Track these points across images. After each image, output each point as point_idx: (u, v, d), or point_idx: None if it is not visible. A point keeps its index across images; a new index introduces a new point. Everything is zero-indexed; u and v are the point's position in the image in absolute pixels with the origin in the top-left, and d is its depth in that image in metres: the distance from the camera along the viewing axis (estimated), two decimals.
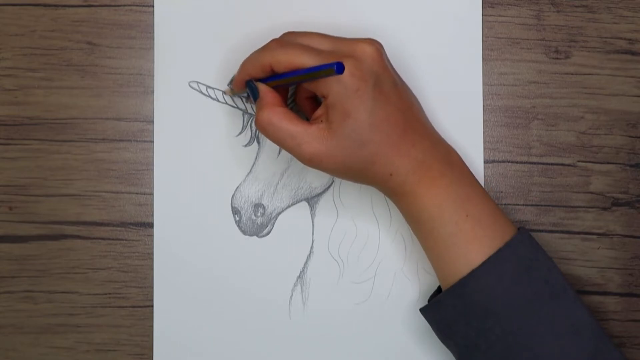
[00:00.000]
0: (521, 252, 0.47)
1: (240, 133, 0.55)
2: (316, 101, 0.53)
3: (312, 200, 0.55)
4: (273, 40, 0.49)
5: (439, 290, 0.51)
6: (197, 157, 0.55)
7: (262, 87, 0.49)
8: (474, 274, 0.46)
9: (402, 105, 0.48)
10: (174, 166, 0.55)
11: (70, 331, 0.55)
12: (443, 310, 0.48)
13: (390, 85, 0.48)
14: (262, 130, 0.49)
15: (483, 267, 0.46)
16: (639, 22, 0.56)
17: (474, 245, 0.47)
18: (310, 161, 0.48)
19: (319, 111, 0.48)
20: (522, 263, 0.47)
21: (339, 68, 0.45)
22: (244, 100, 0.55)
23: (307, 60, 0.47)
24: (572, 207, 0.56)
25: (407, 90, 0.50)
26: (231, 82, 0.54)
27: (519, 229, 0.49)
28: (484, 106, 0.55)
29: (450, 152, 0.50)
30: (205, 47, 0.55)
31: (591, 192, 0.56)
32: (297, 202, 0.55)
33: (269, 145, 0.55)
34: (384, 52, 0.48)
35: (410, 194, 0.48)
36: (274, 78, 0.49)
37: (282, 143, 0.48)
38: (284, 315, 0.55)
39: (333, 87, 0.46)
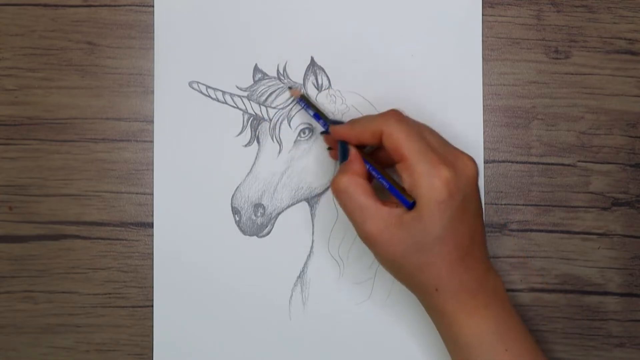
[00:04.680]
0: None
1: (240, 133, 0.55)
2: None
3: (312, 200, 0.55)
4: (393, 110, 0.49)
5: None
6: (197, 157, 0.55)
7: (354, 154, 0.49)
8: None
9: (473, 229, 0.47)
10: (174, 166, 0.55)
11: (70, 331, 0.55)
12: None
13: (473, 208, 0.47)
14: (334, 192, 0.48)
15: None
16: (639, 22, 0.56)
17: None
18: (367, 239, 0.47)
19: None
20: None
21: (408, 205, 0.46)
22: (244, 100, 0.55)
23: (412, 152, 0.46)
24: (572, 207, 0.56)
25: (481, 215, 0.49)
26: (327, 125, 0.51)
27: None
28: (484, 106, 0.55)
29: (497, 283, 0.49)
30: (205, 47, 0.55)
31: (591, 192, 0.56)
32: (297, 202, 0.55)
33: (269, 145, 0.55)
34: (479, 173, 0.48)
35: (450, 315, 0.47)
36: (370, 166, 0.49)
37: (348, 212, 0.48)
38: (284, 315, 0.55)
39: (421, 187, 0.46)
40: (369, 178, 0.49)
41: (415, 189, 0.46)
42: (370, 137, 0.48)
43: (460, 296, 0.47)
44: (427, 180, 0.46)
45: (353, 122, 0.50)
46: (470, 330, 0.47)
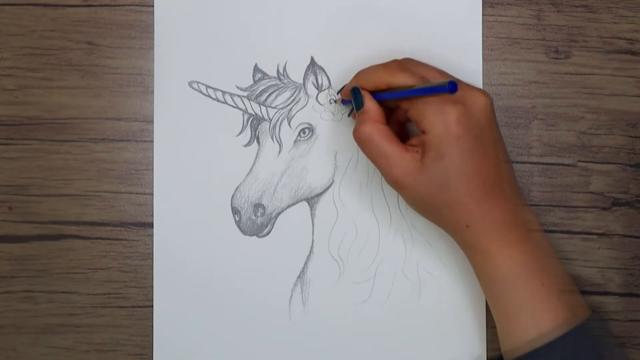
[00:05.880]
0: (597, 334, 0.47)
1: (240, 133, 0.55)
2: (407, 127, 0.53)
3: (312, 200, 0.55)
4: (394, 61, 0.50)
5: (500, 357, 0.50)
6: (197, 157, 0.55)
7: (369, 100, 0.49)
8: (549, 347, 0.45)
9: (497, 162, 0.47)
10: (174, 166, 0.55)
11: (70, 331, 0.55)
12: None
13: (492, 141, 0.47)
14: (358, 142, 0.49)
15: (560, 341, 0.45)
16: (639, 22, 0.56)
17: (547, 315, 0.46)
18: (396, 184, 0.48)
19: (415, 141, 0.48)
20: (596, 345, 0.46)
21: (452, 87, 0.44)
22: (244, 100, 0.55)
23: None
24: (572, 207, 0.56)
25: (505, 149, 0.50)
26: (340, 92, 0.54)
27: (593, 310, 0.48)
28: None
29: (532, 220, 0.49)
30: (205, 47, 0.55)
31: (591, 192, 0.56)
32: (297, 202, 0.55)
33: (269, 145, 0.55)
34: (493, 107, 0.48)
35: (485, 251, 0.47)
36: (384, 95, 0.49)
37: (374, 160, 0.48)
38: (284, 315, 0.55)
39: (436, 127, 0.46)
40: (387, 122, 0.50)
41: (430, 130, 0.47)
42: (374, 87, 0.49)
43: (492, 231, 0.47)
44: (440, 119, 0.46)
45: (358, 75, 0.51)
46: (505, 264, 0.47)
